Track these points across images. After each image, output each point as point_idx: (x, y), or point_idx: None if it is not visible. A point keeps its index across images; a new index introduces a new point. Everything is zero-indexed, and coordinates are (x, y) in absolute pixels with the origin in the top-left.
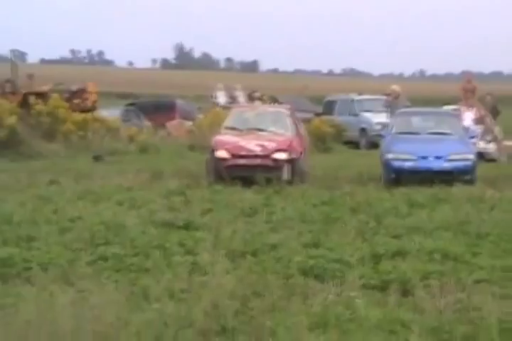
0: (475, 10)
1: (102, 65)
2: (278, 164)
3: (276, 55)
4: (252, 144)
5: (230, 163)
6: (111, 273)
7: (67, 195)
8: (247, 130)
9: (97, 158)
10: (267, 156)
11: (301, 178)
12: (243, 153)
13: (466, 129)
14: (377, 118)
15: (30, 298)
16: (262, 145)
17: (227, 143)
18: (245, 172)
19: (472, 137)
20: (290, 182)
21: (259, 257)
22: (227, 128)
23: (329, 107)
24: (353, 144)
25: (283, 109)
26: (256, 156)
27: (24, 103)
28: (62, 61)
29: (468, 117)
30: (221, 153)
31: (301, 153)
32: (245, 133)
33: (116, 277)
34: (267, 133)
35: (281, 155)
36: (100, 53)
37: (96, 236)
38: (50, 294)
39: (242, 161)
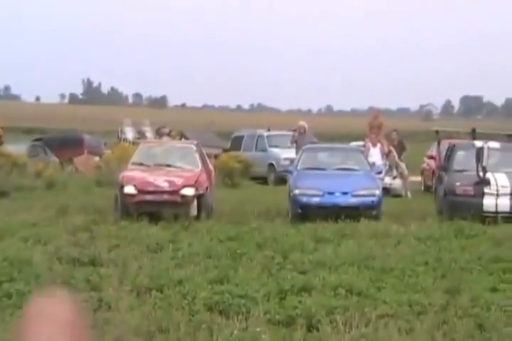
0: (381, 47)
1: (8, 99)
2: (186, 200)
3: (185, 91)
4: (160, 180)
5: (138, 198)
6: (15, 310)
7: None
8: (155, 166)
9: (2, 194)
10: (174, 192)
11: (208, 214)
12: (151, 188)
13: (372, 165)
14: (285, 153)
15: None
16: (169, 181)
17: (135, 178)
18: (153, 208)
19: (378, 173)
20: (197, 218)
21: (165, 293)
22: (134, 163)
23: (237, 143)
24: (261, 180)
25: (190, 145)
26: (164, 192)
27: None
28: None
29: (375, 153)
30: (129, 189)
31: (207, 189)
32: (153, 169)
33: (20, 314)
34: (174, 168)
35: (189, 191)
36: (7, 88)
37: (0, 273)
38: None
39: (149, 197)
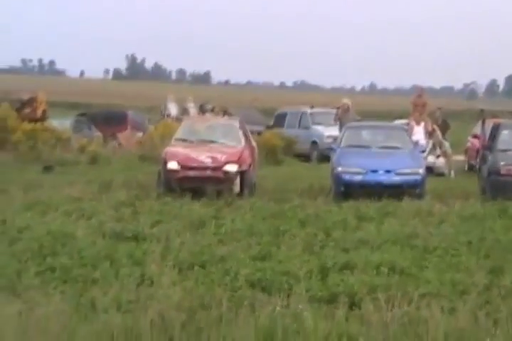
0: (425, 25)
1: (53, 74)
2: (228, 176)
3: (229, 67)
4: (203, 156)
5: (181, 174)
6: (58, 284)
7: (15, 206)
8: (198, 142)
9: (46, 169)
10: (217, 168)
11: (250, 191)
12: (194, 164)
13: (416, 143)
14: (328, 131)
15: None
16: (212, 157)
17: (178, 154)
18: (196, 184)
19: (422, 151)
20: (240, 195)
21: (207, 269)
22: (177, 139)
23: (280, 120)
24: (304, 157)
25: (233, 122)
26: (207, 168)
27: None
28: (12, 70)
29: (418, 131)
30: (172, 165)
31: (250, 166)
32: (196, 145)
33: (64, 288)
34: (217, 145)
35: (232, 168)
36: (51, 63)
37: (44, 246)
38: None
39: (192, 173)
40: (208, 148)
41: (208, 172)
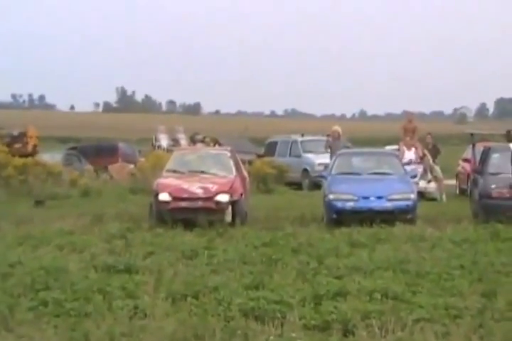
0: (413, 51)
1: (43, 109)
2: (220, 206)
3: (218, 97)
4: (195, 187)
5: (173, 205)
6: (51, 319)
7: (7, 240)
8: (189, 172)
9: (38, 203)
10: (209, 198)
11: (242, 220)
12: (185, 195)
13: (408, 163)
14: (320, 159)
15: None
16: (204, 188)
17: (169, 185)
18: (188, 215)
19: (413, 177)
20: (232, 224)
21: (200, 299)
22: (169, 171)
23: (271, 148)
24: (296, 185)
25: (224, 151)
26: (198, 199)
27: None
28: (2, 105)
29: (409, 157)
30: (163, 196)
31: (242, 195)
32: (187, 176)
33: (57, 322)
34: (208, 175)
35: (224, 198)
36: (41, 97)
37: (36, 281)
38: None
39: (184, 204)
40: (199, 178)
41: (200, 203)
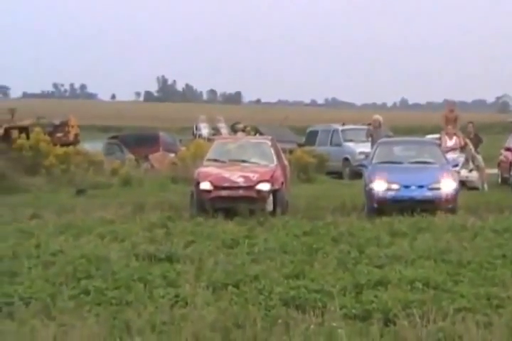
0: (454, 40)
1: (84, 98)
2: (261, 195)
3: (259, 86)
4: (236, 175)
5: (214, 194)
6: (92, 307)
7: (49, 229)
8: (230, 161)
9: (79, 192)
10: (250, 187)
11: (283, 209)
12: (226, 184)
13: (449, 150)
14: (360, 147)
15: (11, 333)
16: (245, 177)
17: (210, 174)
18: (229, 204)
19: (455, 166)
20: (273, 213)
21: (241, 288)
22: (209, 160)
23: (311, 137)
24: (336, 174)
25: (265, 140)
26: (239, 187)
27: (6, 137)
28: (44, 95)
29: (451, 146)
30: (204, 185)
31: (282, 184)
32: (228, 165)
33: (98, 311)
34: (249, 164)
35: (265, 186)
36: (83, 87)
37: (78, 269)
38: (31, 329)
39: (225, 193)
40: (240, 167)
41: (241, 192)
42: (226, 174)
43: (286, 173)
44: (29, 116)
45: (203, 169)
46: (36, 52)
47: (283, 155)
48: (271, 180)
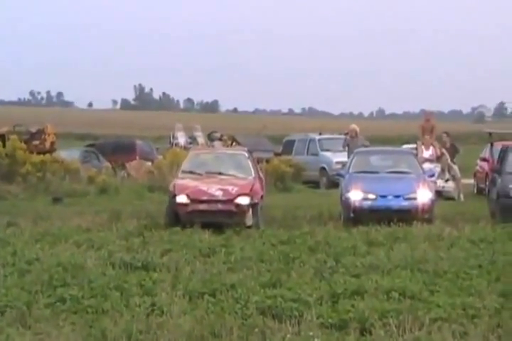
0: (432, 49)
1: (61, 106)
2: (241, 209)
3: (236, 95)
4: (214, 188)
5: (191, 208)
6: (68, 315)
7: (25, 237)
8: (207, 174)
9: (56, 200)
10: (229, 201)
11: (261, 223)
12: (205, 197)
13: (424, 161)
14: (337, 157)
15: None
16: (224, 190)
17: (187, 187)
18: (207, 218)
19: (431, 176)
20: (253, 228)
21: (218, 297)
22: (185, 172)
23: (288, 147)
24: (313, 183)
25: (242, 152)
26: (218, 201)
27: None
28: (21, 102)
29: (427, 156)
30: (181, 198)
31: (262, 197)
32: (205, 177)
33: (74, 319)
34: (227, 176)
35: (244, 200)
36: (59, 94)
37: (54, 278)
38: (6, 337)
39: (202, 206)
40: (217, 180)
41: (219, 206)
42: (204, 187)
43: (263, 186)
44: (5, 123)
45: (179, 181)
46: (13, 60)
47: (259, 167)
48: (250, 193)
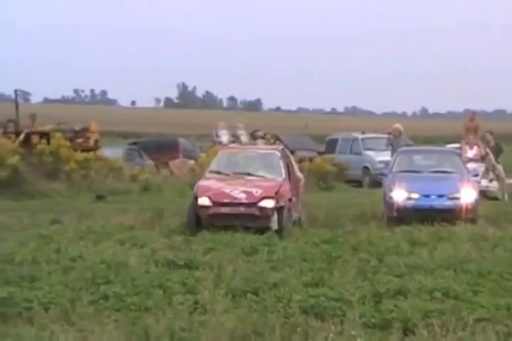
0: (478, 49)
1: (105, 104)
2: (265, 213)
3: (279, 94)
4: (237, 191)
5: (212, 211)
6: (112, 313)
7: (69, 235)
8: (234, 174)
9: (99, 198)
10: (252, 204)
11: (290, 228)
12: (226, 200)
13: (468, 167)
14: (380, 156)
15: (30, 338)
16: (247, 192)
17: (210, 189)
18: (229, 222)
19: (475, 175)
20: (278, 233)
21: (260, 296)
22: (212, 172)
23: (331, 146)
24: (356, 183)
25: (274, 151)
26: (240, 204)
27: (26, 142)
28: (65, 100)
29: (471, 155)
30: (203, 200)
31: (290, 200)
32: (231, 178)
33: (117, 316)
34: (255, 177)
35: (269, 203)
36: (103, 93)
37: (97, 275)
38: (50, 334)
39: (224, 209)
40: (243, 181)
41: (242, 209)
42: (227, 189)
43: (298, 187)
44: (50, 121)
45: (202, 182)
46: (57, 58)
47: (296, 167)
48: (276, 196)
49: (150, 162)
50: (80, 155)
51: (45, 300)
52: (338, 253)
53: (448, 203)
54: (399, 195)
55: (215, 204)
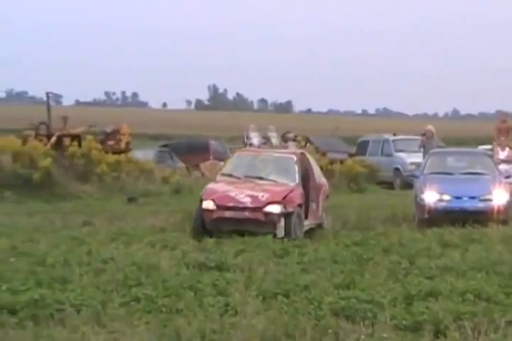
0: (505, 49)
1: (136, 106)
2: (270, 218)
3: (310, 96)
4: (242, 195)
5: (216, 215)
6: (143, 315)
7: (100, 237)
8: (245, 178)
9: (130, 200)
10: (257, 209)
11: (299, 235)
12: (231, 204)
13: (500, 169)
14: (411, 158)
15: (61, 339)
16: (252, 197)
17: (215, 192)
18: (233, 226)
19: (507, 177)
20: (287, 238)
21: (291, 298)
22: (224, 174)
23: (362, 147)
24: (387, 184)
25: (291, 155)
26: (245, 209)
27: (58, 145)
28: (96, 103)
29: (503, 157)
30: (207, 204)
31: (300, 206)
32: (241, 182)
33: (148, 318)
34: (266, 182)
35: (275, 209)
36: (134, 95)
37: (128, 277)
38: (81, 336)
39: (229, 214)
40: (252, 185)
41: (246, 214)
42: (232, 193)
43: (319, 192)
44: (81, 124)
45: (211, 185)
46: (89, 61)
47: (318, 171)
48: (283, 201)
49: (181, 164)
50: (111, 158)
51: (76, 302)
52: (369, 255)
53: (480, 205)
54: (430, 197)
55: (220, 207)
